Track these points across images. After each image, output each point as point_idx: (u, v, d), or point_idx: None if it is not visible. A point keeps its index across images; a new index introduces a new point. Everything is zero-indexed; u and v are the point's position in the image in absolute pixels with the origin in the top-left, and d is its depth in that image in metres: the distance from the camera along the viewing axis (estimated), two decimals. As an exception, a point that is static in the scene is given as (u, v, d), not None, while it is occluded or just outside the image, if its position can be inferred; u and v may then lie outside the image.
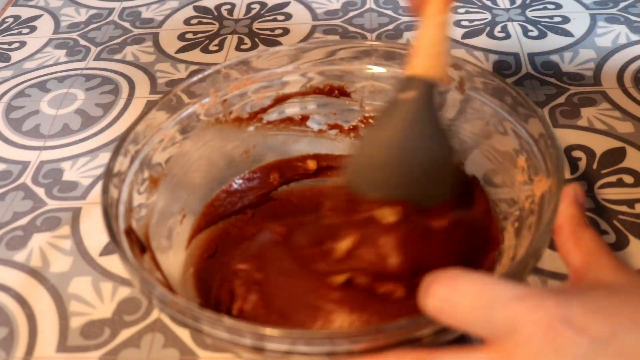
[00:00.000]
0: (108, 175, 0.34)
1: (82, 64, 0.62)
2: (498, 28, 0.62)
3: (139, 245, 0.33)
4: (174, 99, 0.39)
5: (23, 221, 0.45)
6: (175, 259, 0.38)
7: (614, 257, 0.27)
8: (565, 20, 0.63)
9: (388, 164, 0.33)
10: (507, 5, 0.66)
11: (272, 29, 0.65)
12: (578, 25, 0.62)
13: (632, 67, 0.56)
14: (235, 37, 0.64)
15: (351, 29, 0.64)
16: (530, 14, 0.65)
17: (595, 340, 0.22)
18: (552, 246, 0.39)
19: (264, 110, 0.43)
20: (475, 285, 0.24)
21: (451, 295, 0.24)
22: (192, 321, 0.27)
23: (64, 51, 0.64)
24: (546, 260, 0.39)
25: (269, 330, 0.26)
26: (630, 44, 0.59)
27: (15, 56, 0.64)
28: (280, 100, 0.43)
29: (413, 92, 0.32)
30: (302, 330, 0.30)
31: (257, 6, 0.69)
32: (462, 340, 0.28)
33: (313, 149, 0.45)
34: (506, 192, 0.37)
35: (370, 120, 0.44)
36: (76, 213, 0.46)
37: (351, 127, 0.45)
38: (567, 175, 0.45)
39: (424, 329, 0.26)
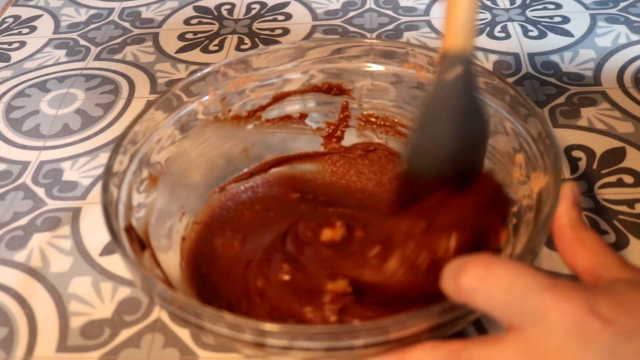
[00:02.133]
0: (107, 173, 0.34)
1: (82, 64, 0.62)
2: (498, 28, 0.62)
3: (139, 243, 0.33)
4: (173, 98, 0.39)
5: (23, 221, 0.45)
6: (174, 257, 0.38)
7: (620, 257, 0.27)
8: (565, 20, 0.63)
9: (442, 148, 0.33)
10: (507, 5, 0.66)
11: (272, 29, 0.65)
12: (578, 25, 0.62)
13: (632, 67, 0.56)
14: (235, 37, 0.64)
15: (351, 29, 0.64)
16: (530, 14, 0.65)
17: (621, 333, 0.22)
18: (550, 245, 0.39)
19: (263, 108, 0.43)
20: (511, 270, 0.24)
21: (488, 276, 0.24)
22: (193, 318, 0.27)
23: (64, 51, 0.64)
24: (544, 259, 0.39)
25: (268, 326, 0.26)
26: (630, 44, 0.59)
27: (15, 56, 0.64)
28: (278, 98, 0.43)
29: (457, 69, 0.31)
30: (303, 326, 0.30)
31: (257, 6, 0.69)
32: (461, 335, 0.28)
33: (311, 147, 0.45)
34: (505, 189, 0.37)
35: (369, 119, 0.44)
36: (76, 213, 0.46)
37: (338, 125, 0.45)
38: (567, 175, 0.45)
39: (423, 325, 0.26)
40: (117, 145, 0.35)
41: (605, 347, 0.22)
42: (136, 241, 0.33)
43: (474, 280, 0.24)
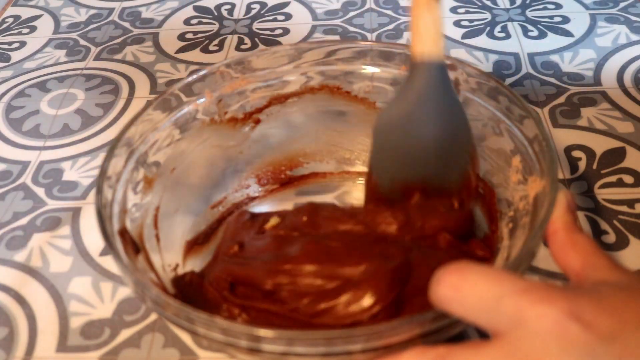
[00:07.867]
0: (102, 175, 0.33)
1: (82, 64, 0.62)
2: (498, 28, 0.62)
3: (133, 246, 0.33)
4: (171, 98, 0.39)
5: (23, 221, 0.46)
6: (170, 260, 0.37)
7: (610, 258, 0.27)
8: (565, 20, 0.63)
9: (410, 151, 0.34)
10: (507, 5, 0.66)
11: (272, 29, 0.65)
12: (578, 25, 0.62)
13: (632, 67, 0.56)
14: (235, 37, 0.64)
15: (351, 29, 0.64)
16: (530, 14, 0.65)
17: (602, 336, 0.22)
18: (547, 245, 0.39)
19: (259, 110, 0.43)
20: (484, 276, 0.24)
21: (461, 284, 0.24)
22: (186, 323, 0.27)
23: (64, 51, 0.64)
24: (541, 260, 0.39)
25: (263, 332, 0.26)
26: (630, 44, 0.59)
27: (15, 56, 0.64)
28: (275, 100, 0.43)
29: (426, 73, 0.32)
30: (298, 331, 0.30)
31: (257, 6, 0.69)
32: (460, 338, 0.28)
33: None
34: (501, 192, 0.37)
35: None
36: (76, 213, 0.46)
37: None
38: (567, 175, 0.45)
39: (418, 330, 0.26)
40: (112, 146, 0.35)
41: (586, 350, 0.22)
42: (130, 244, 0.32)
43: (449, 290, 0.25)
